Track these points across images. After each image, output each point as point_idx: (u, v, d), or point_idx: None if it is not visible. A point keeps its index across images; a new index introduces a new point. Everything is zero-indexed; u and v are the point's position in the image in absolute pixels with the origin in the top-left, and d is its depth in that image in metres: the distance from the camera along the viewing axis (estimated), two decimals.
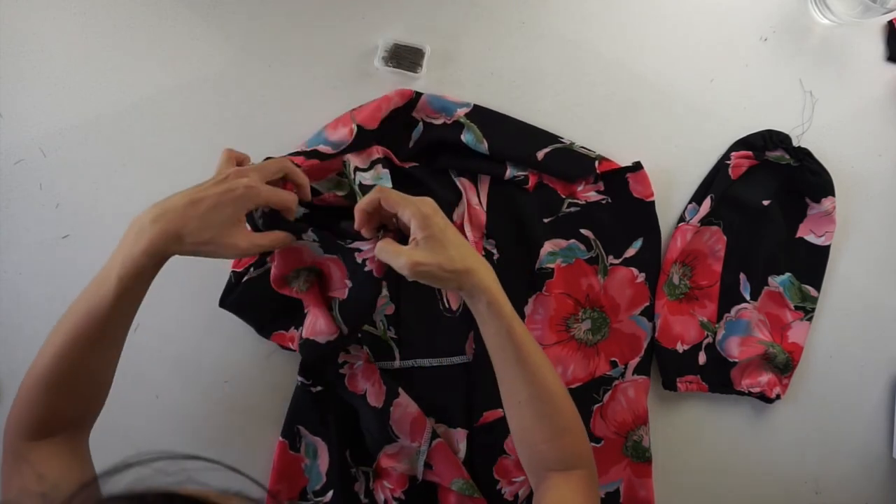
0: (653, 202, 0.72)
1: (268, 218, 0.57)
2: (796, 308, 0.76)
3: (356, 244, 0.60)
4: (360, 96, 0.70)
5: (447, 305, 0.70)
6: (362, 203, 0.56)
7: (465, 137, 0.68)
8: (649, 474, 0.73)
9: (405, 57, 0.69)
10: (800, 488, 0.79)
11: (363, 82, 0.71)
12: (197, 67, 0.69)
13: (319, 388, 0.67)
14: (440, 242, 0.53)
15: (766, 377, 0.74)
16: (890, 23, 0.78)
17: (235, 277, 0.66)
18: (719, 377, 0.74)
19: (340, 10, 0.70)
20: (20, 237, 0.68)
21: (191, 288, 0.67)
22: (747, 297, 0.75)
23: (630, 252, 0.73)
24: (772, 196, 0.74)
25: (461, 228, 0.69)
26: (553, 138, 0.71)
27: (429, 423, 0.67)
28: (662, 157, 0.75)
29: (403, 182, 0.68)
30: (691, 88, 0.76)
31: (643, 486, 0.73)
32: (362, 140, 0.66)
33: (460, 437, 0.69)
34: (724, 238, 0.74)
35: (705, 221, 0.73)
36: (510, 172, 0.69)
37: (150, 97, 0.69)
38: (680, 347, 0.73)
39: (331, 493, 0.66)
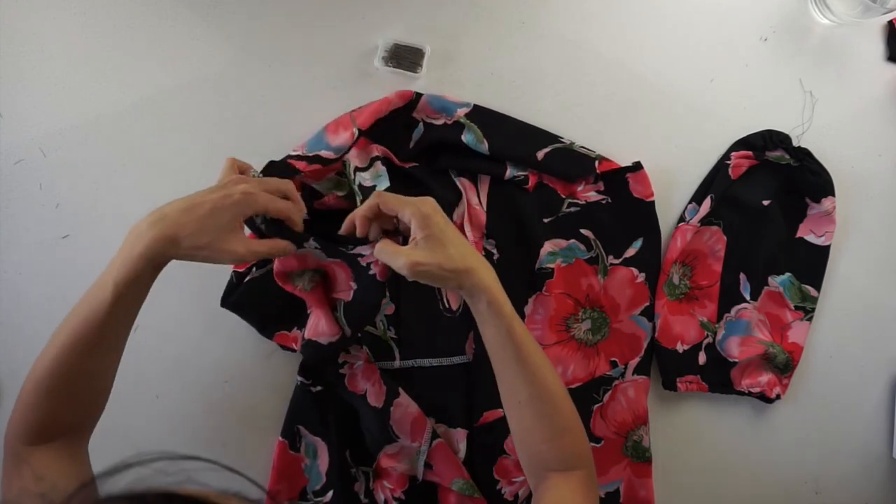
0: (653, 202, 0.72)
1: (271, 223, 0.57)
2: (796, 308, 0.76)
3: (358, 250, 0.60)
4: (360, 96, 0.70)
5: (447, 305, 0.70)
6: (362, 210, 0.56)
7: (466, 138, 0.68)
8: (649, 474, 0.73)
9: (405, 57, 0.69)
10: (800, 488, 0.79)
11: (363, 82, 0.71)
12: (197, 67, 0.69)
13: (319, 388, 0.67)
14: (440, 242, 0.53)
15: (766, 377, 0.74)
16: (890, 23, 0.78)
17: (237, 277, 0.66)
18: (719, 377, 0.74)
19: (340, 10, 0.70)
20: (20, 237, 0.68)
21: (190, 288, 0.67)
22: (747, 297, 0.75)
23: (630, 252, 0.73)
24: (772, 196, 0.74)
25: (461, 228, 0.69)
26: (553, 138, 0.71)
27: (429, 423, 0.67)
28: (662, 157, 0.75)
29: (403, 182, 0.68)
30: (691, 88, 0.76)
31: (643, 486, 0.73)
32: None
33: (460, 437, 0.69)
34: (724, 238, 0.74)
35: (705, 221, 0.73)
36: (510, 172, 0.69)
37: (150, 97, 0.69)
38: (680, 347, 0.73)
39: (331, 493, 0.66)
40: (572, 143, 0.71)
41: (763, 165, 0.74)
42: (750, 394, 0.74)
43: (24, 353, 0.67)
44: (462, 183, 0.70)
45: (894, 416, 0.80)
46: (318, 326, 0.64)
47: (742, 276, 0.75)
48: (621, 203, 0.72)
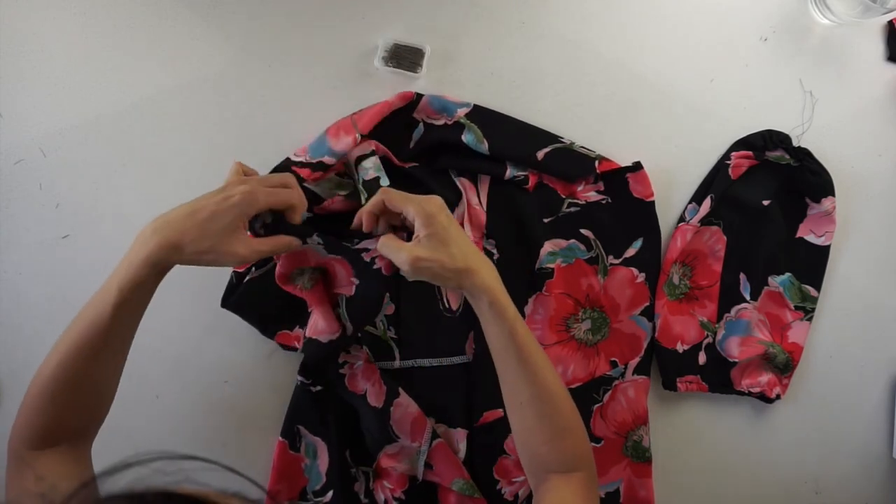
0: (653, 202, 0.72)
1: (270, 228, 0.57)
2: (796, 308, 0.76)
3: (363, 244, 0.60)
4: (360, 96, 0.70)
5: (447, 305, 0.70)
6: (368, 206, 0.57)
7: (466, 138, 0.68)
8: (649, 474, 0.73)
9: (405, 57, 0.69)
10: (800, 488, 0.79)
11: (363, 82, 0.71)
12: (197, 67, 0.69)
13: (319, 388, 0.67)
14: (442, 240, 0.53)
15: (766, 377, 0.74)
16: (890, 23, 0.78)
17: (237, 278, 0.66)
18: (719, 377, 0.74)
19: (340, 10, 0.70)
20: (20, 237, 0.68)
21: (191, 288, 0.67)
22: (747, 297, 0.75)
23: (630, 252, 0.73)
24: (772, 196, 0.74)
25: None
26: (553, 138, 0.71)
27: (429, 423, 0.67)
28: (662, 157, 0.75)
29: (403, 182, 0.67)
30: (691, 88, 0.76)
31: (643, 486, 0.73)
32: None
33: (460, 437, 0.69)
34: (724, 238, 0.74)
35: (705, 221, 0.73)
36: (510, 172, 0.69)
37: (150, 97, 0.69)
38: (680, 347, 0.73)
39: (331, 493, 0.66)
40: (572, 143, 0.71)
41: (763, 165, 0.74)
42: (750, 394, 0.74)
43: (24, 353, 0.68)
44: (462, 183, 0.70)
45: (894, 416, 0.80)
46: (318, 324, 0.64)
47: (742, 276, 0.75)
48: (621, 203, 0.72)
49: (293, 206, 0.56)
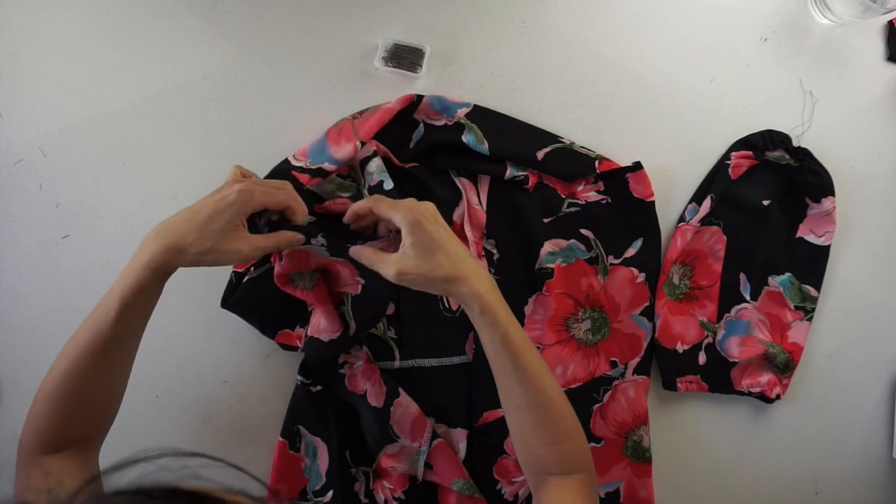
0: (653, 202, 0.72)
1: (275, 227, 0.57)
2: (796, 308, 0.76)
3: (368, 244, 0.60)
4: (360, 96, 0.70)
5: (447, 305, 0.70)
6: (355, 206, 0.58)
7: (466, 138, 0.68)
8: (649, 474, 0.73)
9: (405, 57, 0.69)
10: (800, 488, 0.79)
11: (363, 82, 0.71)
12: (197, 67, 0.69)
13: (319, 388, 0.67)
14: (428, 249, 0.53)
15: (766, 377, 0.74)
16: (890, 23, 0.78)
17: (236, 278, 0.65)
18: (719, 377, 0.74)
19: (340, 10, 0.70)
20: (20, 237, 0.68)
21: (190, 288, 0.67)
22: (747, 297, 0.75)
23: (630, 252, 0.73)
24: (772, 196, 0.74)
25: (461, 228, 0.69)
26: (553, 138, 0.71)
27: (429, 423, 0.67)
28: (662, 157, 0.75)
29: (403, 182, 0.68)
30: (691, 88, 0.76)
31: (643, 486, 0.73)
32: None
33: (460, 437, 0.69)
34: (724, 238, 0.74)
35: (705, 221, 0.73)
36: (510, 172, 0.69)
37: (150, 97, 0.69)
38: (680, 347, 0.73)
39: (331, 493, 0.66)
40: (572, 143, 0.71)
41: (763, 165, 0.74)
42: (750, 394, 0.74)
43: (24, 353, 0.68)
44: (462, 183, 0.70)
45: (894, 416, 0.80)
46: (320, 323, 0.64)
47: (742, 276, 0.75)
48: (621, 203, 0.72)
49: (291, 207, 0.56)
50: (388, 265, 0.53)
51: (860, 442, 0.80)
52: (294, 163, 0.65)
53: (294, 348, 0.67)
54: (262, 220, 0.57)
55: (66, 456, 0.52)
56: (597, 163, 0.71)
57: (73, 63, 0.68)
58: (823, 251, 0.76)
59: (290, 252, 0.63)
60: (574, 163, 0.71)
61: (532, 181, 0.70)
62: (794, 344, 0.75)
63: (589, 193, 0.72)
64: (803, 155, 0.74)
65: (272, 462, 0.68)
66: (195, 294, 0.68)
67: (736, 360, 0.73)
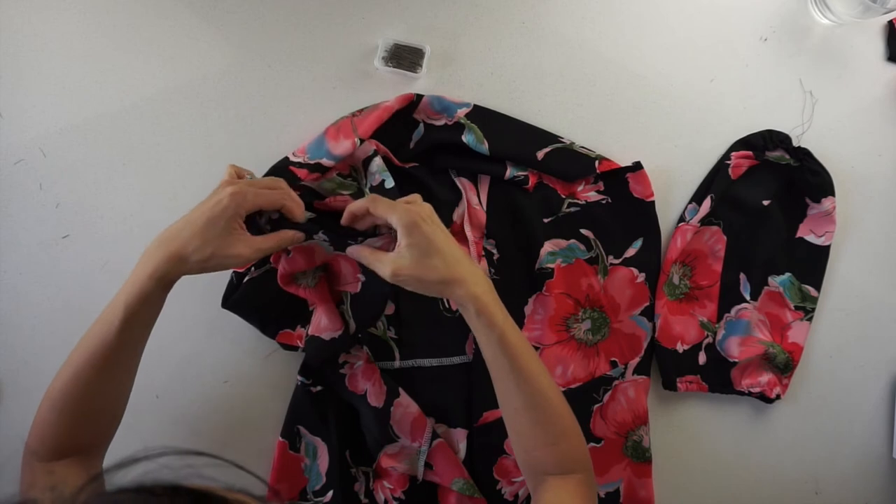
0: (653, 202, 0.72)
1: (276, 225, 0.57)
2: (796, 308, 0.76)
3: (368, 242, 0.60)
4: (360, 96, 0.70)
5: (447, 305, 0.70)
6: (352, 206, 0.58)
7: (466, 138, 0.68)
8: (649, 474, 0.73)
9: (405, 57, 0.69)
10: (800, 488, 0.79)
11: (363, 82, 0.71)
12: (197, 67, 0.69)
13: (320, 388, 0.67)
14: (424, 251, 0.53)
15: (766, 377, 0.74)
16: (890, 23, 0.78)
17: (237, 278, 0.65)
18: (719, 377, 0.74)
19: (340, 10, 0.70)
20: (20, 237, 0.68)
21: (191, 289, 0.67)
22: (747, 297, 0.75)
23: (630, 252, 0.73)
24: (772, 196, 0.74)
25: (461, 228, 0.69)
26: (553, 138, 0.71)
27: (429, 423, 0.67)
28: (662, 157, 0.75)
29: (403, 182, 0.68)
30: (691, 88, 0.76)
31: (643, 486, 0.73)
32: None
33: (460, 436, 0.69)
34: (724, 238, 0.74)
35: (705, 221, 0.73)
36: (510, 172, 0.69)
37: (150, 97, 0.69)
38: (680, 347, 0.73)
39: (331, 493, 0.66)
40: (572, 143, 0.71)
41: (763, 165, 0.74)
42: (750, 394, 0.74)
43: (24, 353, 0.68)
44: (462, 183, 0.70)
45: (894, 416, 0.80)
46: (322, 322, 0.64)
47: (742, 276, 0.75)
48: (621, 203, 0.72)
49: (286, 206, 0.56)
50: (385, 265, 0.54)
51: (860, 442, 0.80)
52: (293, 159, 0.65)
53: (295, 348, 0.67)
54: (263, 218, 0.57)
55: (70, 463, 0.52)
56: (597, 163, 0.71)
57: (73, 63, 0.68)
58: (823, 251, 0.76)
59: (297, 248, 0.63)
60: (574, 163, 0.71)
61: (532, 181, 0.70)
62: (794, 344, 0.75)
63: (589, 193, 0.72)
64: (803, 155, 0.74)
65: (272, 462, 0.68)
66: (195, 294, 0.67)
67: (736, 360, 0.73)
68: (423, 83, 0.71)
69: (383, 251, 0.56)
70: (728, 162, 0.74)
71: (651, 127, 0.75)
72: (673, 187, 0.75)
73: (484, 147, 0.68)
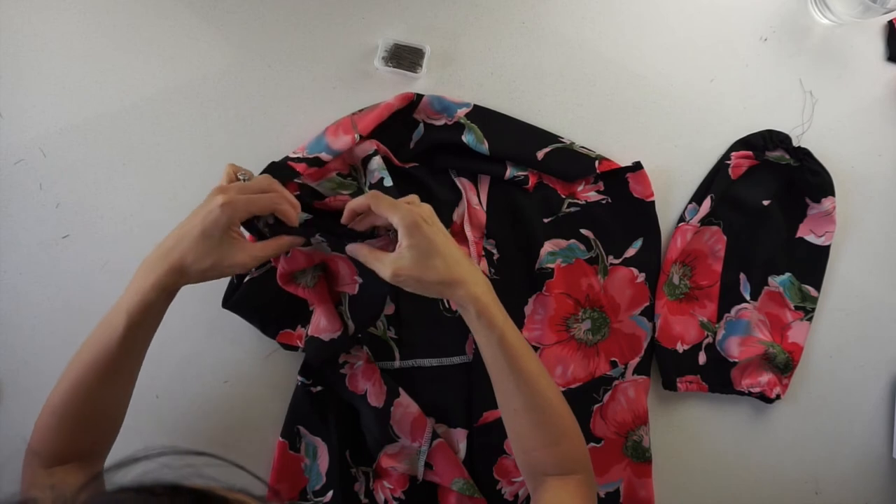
0: (653, 202, 0.72)
1: (274, 228, 0.57)
2: (796, 308, 0.76)
3: (366, 243, 0.60)
4: (360, 96, 0.70)
5: (447, 305, 0.70)
6: (353, 203, 0.57)
7: (466, 138, 0.68)
8: (649, 474, 0.73)
9: (405, 57, 0.69)
10: (800, 488, 0.79)
11: (363, 82, 0.71)
12: (196, 67, 0.69)
13: (320, 389, 0.67)
14: (424, 252, 0.53)
15: (766, 377, 0.74)
16: (890, 23, 0.78)
17: (237, 278, 0.66)
18: (719, 377, 0.74)
19: (340, 10, 0.70)
20: (20, 237, 0.68)
21: (191, 289, 0.67)
22: (747, 297, 0.75)
23: (630, 252, 0.73)
24: (772, 196, 0.74)
25: (461, 228, 0.69)
26: (553, 138, 0.71)
27: (429, 423, 0.67)
28: (662, 157, 0.75)
29: (403, 182, 0.68)
30: (691, 88, 0.76)
31: (643, 486, 0.73)
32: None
33: (460, 436, 0.69)
34: (724, 238, 0.74)
35: (705, 221, 0.73)
36: (510, 172, 0.69)
37: (150, 97, 0.69)
38: (680, 347, 0.73)
39: (331, 493, 0.66)
40: (572, 143, 0.71)
41: (763, 165, 0.74)
42: (750, 394, 0.74)
43: (24, 353, 0.68)
44: (462, 183, 0.70)
45: (894, 416, 0.80)
46: (320, 323, 0.64)
47: (742, 276, 0.75)
48: (621, 203, 0.72)
49: (279, 210, 0.55)
50: (385, 265, 0.53)
51: (860, 442, 0.80)
52: (292, 156, 0.65)
53: (295, 348, 0.67)
54: (261, 222, 0.57)
55: (71, 469, 0.52)
56: (597, 163, 0.71)
57: (73, 63, 0.68)
58: (823, 251, 0.76)
59: (294, 250, 0.63)
60: (574, 163, 0.71)
61: (532, 181, 0.70)
62: (794, 344, 0.75)
63: (589, 193, 0.72)
64: (803, 155, 0.74)
65: (272, 462, 0.68)
66: (195, 294, 0.67)
67: (736, 360, 0.73)
68: (423, 83, 0.71)
69: (383, 251, 0.56)
70: (728, 162, 0.74)
71: (651, 127, 0.75)
72: (673, 187, 0.75)
73: (484, 147, 0.68)
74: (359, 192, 0.66)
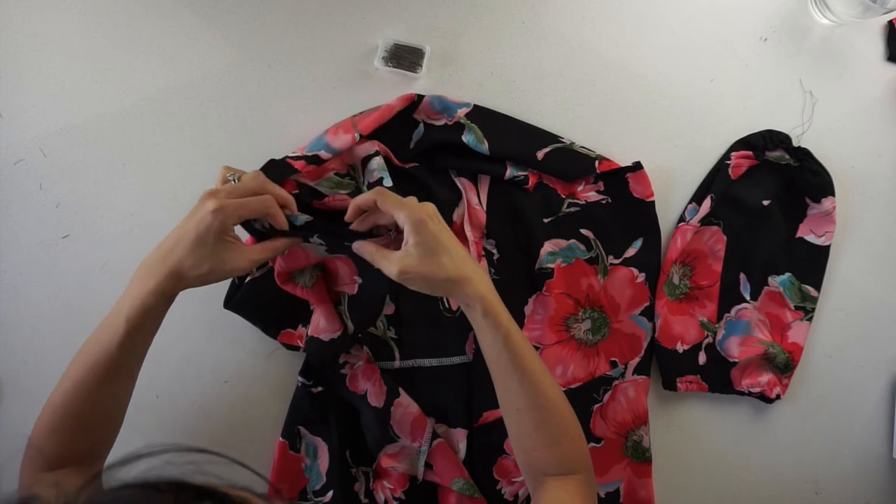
0: (653, 202, 0.72)
1: (272, 228, 0.57)
2: (796, 308, 0.76)
3: (371, 241, 0.60)
4: (360, 96, 0.70)
5: (447, 305, 0.70)
6: (358, 199, 0.56)
7: (466, 138, 0.68)
8: (649, 474, 0.73)
9: (405, 57, 0.69)
10: (800, 488, 0.79)
11: (363, 82, 0.71)
12: (196, 67, 0.69)
13: (320, 389, 0.67)
14: (431, 250, 0.52)
15: (766, 377, 0.74)
16: (890, 23, 0.78)
17: (238, 279, 0.66)
18: (719, 377, 0.74)
19: (340, 10, 0.70)
20: (20, 237, 0.68)
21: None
22: (747, 297, 0.75)
23: (630, 252, 0.73)
24: (772, 196, 0.74)
25: (461, 228, 0.69)
26: (553, 138, 0.71)
27: (429, 423, 0.67)
28: (662, 157, 0.75)
29: (403, 182, 0.68)
30: (691, 88, 0.76)
31: (643, 486, 0.73)
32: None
33: (460, 436, 0.69)
34: (724, 238, 0.74)
35: (705, 221, 0.73)
36: (510, 172, 0.69)
37: (150, 97, 0.69)
38: (680, 347, 0.73)
39: (331, 493, 0.66)
40: (572, 143, 0.71)
41: (763, 165, 0.74)
42: (750, 394, 0.74)
43: (24, 353, 0.68)
44: (462, 183, 0.70)
45: (894, 416, 0.80)
46: (320, 323, 0.64)
47: (742, 276, 0.75)
48: (621, 203, 0.72)
49: (270, 214, 0.53)
50: (392, 263, 0.53)
51: (860, 442, 0.80)
52: (292, 156, 0.65)
53: (297, 348, 0.67)
54: (258, 222, 0.57)
55: (70, 472, 0.52)
56: (597, 163, 0.71)
57: (73, 63, 0.68)
58: (823, 251, 0.76)
59: (289, 251, 0.63)
60: (574, 163, 0.71)
61: (532, 181, 0.70)
62: (794, 344, 0.75)
63: (589, 193, 0.72)
64: (803, 155, 0.74)
65: (272, 462, 0.68)
66: (195, 294, 0.67)
67: (736, 360, 0.73)
68: (423, 83, 0.71)
69: (389, 249, 0.56)
70: (728, 162, 0.74)
71: (651, 127, 0.75)
72: (673, 187, 0.75)
73: (484, 147, 0.68)
74: (357, 191, 0.66)
